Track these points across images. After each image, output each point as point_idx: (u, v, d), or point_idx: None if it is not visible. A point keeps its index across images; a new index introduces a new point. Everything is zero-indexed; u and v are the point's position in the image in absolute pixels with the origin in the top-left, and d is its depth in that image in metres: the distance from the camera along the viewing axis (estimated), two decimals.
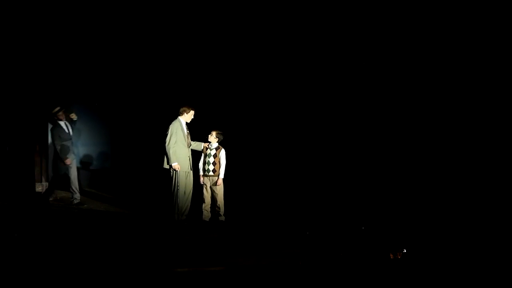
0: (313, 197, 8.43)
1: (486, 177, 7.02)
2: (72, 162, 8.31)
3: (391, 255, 5.78)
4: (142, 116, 9.73)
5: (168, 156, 7.30)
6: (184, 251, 5.96)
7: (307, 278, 5.18)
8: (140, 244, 6.25)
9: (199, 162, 7.72)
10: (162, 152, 7.45)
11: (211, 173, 7.59)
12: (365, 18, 8.24)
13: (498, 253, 5.76)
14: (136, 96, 9.79)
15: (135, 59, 9.56)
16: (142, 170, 9.59)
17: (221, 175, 7.57)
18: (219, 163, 7.58)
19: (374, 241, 6.32)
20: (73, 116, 8.42)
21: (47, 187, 8.71)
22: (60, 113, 8.24)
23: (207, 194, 7.62)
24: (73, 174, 8.33)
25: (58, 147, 8.17)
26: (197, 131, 7.77)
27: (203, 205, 7.62)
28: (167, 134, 7.35)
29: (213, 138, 7.63)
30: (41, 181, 8.88)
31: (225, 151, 7.68)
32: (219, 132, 7.66)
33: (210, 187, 7.60)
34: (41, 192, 8.73)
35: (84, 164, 9.77)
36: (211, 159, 7.59)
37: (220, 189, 7.58)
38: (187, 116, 7.48)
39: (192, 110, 7.49)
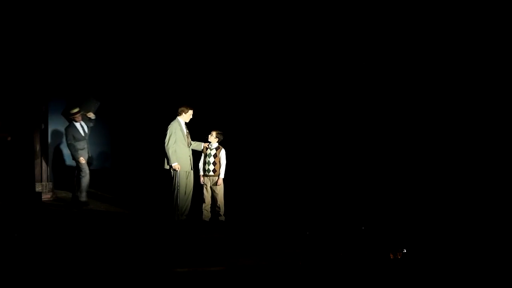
0: (313, 197, 8.43)
1: (486, 177, 7.02)
2: (85, 162, 8.28)
3: (391, 255, 5.78)
4: (142, 116, 9.73)
5: (168, 157, 7.30)
6: (184, 251, 5.96)
7: (307, 278, 5.18)
8: (140, 244, 6.25)
9: (199, 162, 7.72)
10: (162, 152, 7.45)
11: (211, 173, 7.59)
12: (365, 18, 8.24)
13: (498, 253, 5.76)
14: (136, 96, 9.80)
15: (135, 59, 9.57)
16: (142, 170, 9.60)
17: (221, 175, 7.58)
18: (219, 163, 7.58)
19: (374, 241, 6.32)
20: (91, 115, 8.41)
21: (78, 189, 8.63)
22: (78, 115, 8.22)
23: (207, 194, 7.62)
24: (87, 172, 8.30)
25: (71, 147, 8.17)
26: (197, 131, 7.77)
27: (203, 205, 7.62)
28: (166, 135, 7.35)
29: (213, 138, 7.63)
30: (41, 181, 8.88)
31: (225, 151, 7.68)
32: (219, 132, 7.66)
33: (210, 187, 7.60)
34: (41, 191, 8.73)
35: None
36: (211, 159, 7.59)
37: (220, 189, 7.58)
38: (186, 116, 7.48)
39: (191, 109, 7.48)
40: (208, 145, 7.66)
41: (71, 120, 8.29)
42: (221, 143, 7.69)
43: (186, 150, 7.42)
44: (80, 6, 8.73)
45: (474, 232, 6.40)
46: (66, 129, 8.34)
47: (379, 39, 8.19)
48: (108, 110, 9.72)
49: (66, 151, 9.68)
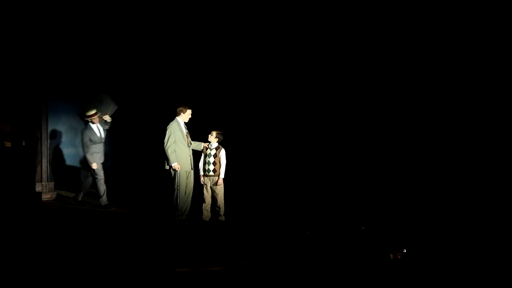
0: (313, 197, 8.43)
1: (486, 177, 7.02)
2: (99, 166, 8.24)
3: (391, 255, 5.79)
4: (142, 116, 9.73)
5: (168, 157, 7.30)
6: (184, 251, 5.96)
7: (307, 278, 5.18)
8: (140, 244, 6.25)
9: (199, 162, 7.72)
10: (162, 153, 7.46)
11: (211, 173, 7.59)
12: (365, 18, 8.24)
13: (498, 253, 5.76)
14: (136, 96, 9.80)
15: (135, 60, 9.57)
16: (142, 170, 9.60)
17: (222, 175, 7.57)
18: (219, 163, 7.58)
19: (374, 241, 6.32)
20: (107, 118, 8.36)
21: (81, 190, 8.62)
22: (95, 116, 8.18)
23: (207, 194, 7.62)
24: (102, 176, 8.30)
25: (86, 150, 8.12)
26: (197, 131, 7.77)
27: (203, 205, 7.62)
28: (165, 135, 7.35)
29: (213, 138, 7.63)
30: (41, 181, 8.88)
31: (225, 151, 7.68)
32: (219, 132, 7.66)
33: (211, 187, 7.60)
34: (41, 191, 8.72)
35: (84, 164, 9.77)
36: (211, 159, 7.59)
37: (220, 189, 7.58)
38: (185, 116, 7.48)
39: (189, 109, 7.48)
40: (208, 145, 7.66)
41: (87, 121, 8.21)
42: (221, 143, 7.69)
43: (186, 150, 7.42)
44: (80, 6, 8.73)
45: (474, 232, 6.40)
46: (82, 131, 8.25)
47: (379, 39, 8.19)
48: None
49: (66, 151, 9.69)
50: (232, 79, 9.46)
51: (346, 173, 8.46)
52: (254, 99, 9.34)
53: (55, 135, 9.60)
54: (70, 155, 9.77)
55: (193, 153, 7.61)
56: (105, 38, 9.33)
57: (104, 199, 8.27)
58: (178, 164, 7.29)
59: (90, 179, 8.36)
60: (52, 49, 9.02)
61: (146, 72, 9.67)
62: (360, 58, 8.42)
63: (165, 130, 7.40)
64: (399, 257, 5.73)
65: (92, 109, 8.18)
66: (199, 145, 7.69)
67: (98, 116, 8.23)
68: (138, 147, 9.70)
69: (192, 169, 7.49)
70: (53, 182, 9.04)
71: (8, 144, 8.37)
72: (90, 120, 8.18)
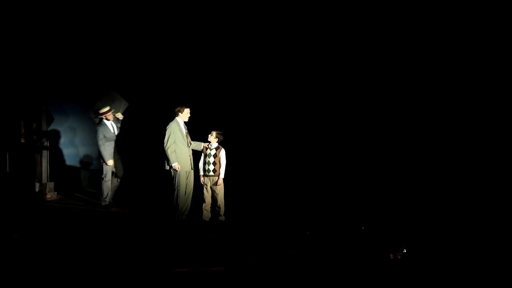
0: (313, 197, 8.43)
1: (486, 177, 7.03)
2: (118, 162, 8.24)
3: (391, 255, 5.78)
4: (142, 116, 9.73)
5: (167, 157, 7.31)
6: (184, 251, 5.96)
7: (307, 278, 5.18)
8: (140, 244, 6.25)
9: (199, 162, 7.72)
10: (162, 153, 7.45)
11: (211, 173, 7.59)
12: (365, 18, 8.24)
13: (498, 253, 5.76)
14: (137, 96, 9.79)
15: (135, 60, 9.57)
16: (142, 170, 9.59)
17: (222, 175, 7.57)
18: (219, 163, 7.58)
19: (374, 241, 6.32)
20: (119, 116, 8.35)
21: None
22: (109, 113, 8.15)
23: (207, 194, 7.61)
24: (120, 172, 8.30)
25: (102, 147, 8.07)
26: (197, 131, 7.77)
27: (203, 205, 7.62)
28: (165, 135, 7.36)
29: (213, 138, 7.62)
30: (41, 181, 8.88)
31: (225, 151, 7.68)
32: (219, 132, 7.66)
33: (211, 187, 7.60)
34: (41, 191, 8.72)
35: (84, 164, 9.77)
36: (211, 159, 7.59)
37: (220, 189, 7.57)
38: (184, 115, 7.48)
39: (186, 108, 7.48)
40: (208, 145, 7.66)
41: (101, 119, 8.18)
42: (221, 143, 7.69)
43: (185, 150, 7.42)
44: (79, 6, 8.74)
45: (474, 232, 6.40)
46: (97, 127, 8.20)
47: (379, 39, 8.19)
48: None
49: (66, 151, 9.68)
50: (232, 79, 9.45)
51: (346, 173, 8.46)
52: (254, 99, 9.33)
53: (55, 135, 9.59)
54: (70, 155, 9.77)
55: (193, 153, 7.61)
56: (105, 39, 9.33)
57: (107, 199, 8.22)
58: (178, 164, 7.29)
59: (115, 179, 8.31)
60: (52, 49, 9.02)
61: (146, 72, 9.66)
62: (360, 58, 8.42)
63: (165, 130, 7.40)
64: (399, 257, 5.73)
65: (105, 106, 8.17)
66: (199, 145, 7.69)
67: (112, 114, 8.21)
68: (138, 147, 9.69)
69: (192, 169, 7.49)
70: (53, 182, 9.04)
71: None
72: (104, 117, 8.15)
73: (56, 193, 9.00)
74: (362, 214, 7.60)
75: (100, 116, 8.19)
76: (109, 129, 8.18)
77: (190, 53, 9.44)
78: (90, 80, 9.57)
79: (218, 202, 7.57)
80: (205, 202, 7.62)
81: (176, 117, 7.48)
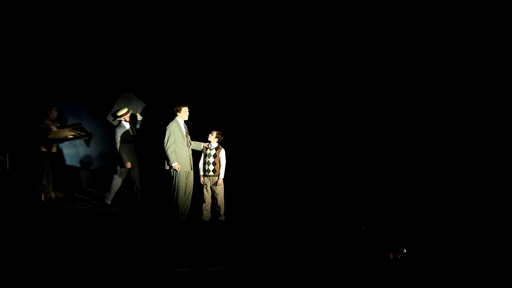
0: (313, 197, 8.42)
1: (486, 177, 7.02)
2: (135, 164, 8.20)
3: (391, 255, 5.78)
4: (142, 117, 9.71)
5: (167, 157, 7.31)
6: (184, 251, 5.96)
7: (307, 278, 5.17)
8: (140, 244, 6.25)
9: (199, 162, 7.72)
10: (162, 153, 7.46)
11: (211, 173, 7.59)
12: (365, 18, 8.24)
13: (498, 253, 5.76)
14: (137, 96, 9.78)
15: (136, 59, 9.56)
16: (142, 170, 9.58)
17: (221, 175, 7.58)
18: (219, 163, 7.58)
19: (374, 241, 6.32)
20: (138, 117, 8.33)
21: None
22: (127, 115, 8.14)
23: (207, 194, 7.62)
24: (136, 175, 8.28)
25: (121, 149, 8.02)
26: (197, 131, 7.77)
27: (203, 205, 7.62)
28: (164, 135, 7.37)
29: (213, 138, 7.63)
30: (41, 181, 8.86)
31: (225, 151, 7.68)
32: (220, 132, 7.66)
33: (211, 187, 7.60)
34: (41, 191, 8.72)
35: (84, 164, 9.76)
36: (211, 159, 7.60)
37: (220, 189, 7.58)
38: (183, 114, 7.49)
39: (184, 107, 7.50)
40: (208, 145, 7.67)
41: (119, 121, 8.17)
42: (221, 143, 7.70)
43: (185, 150, 7.42)
44: (80, 6, 8.73)
45: (474, 232, 6.39)
46: (115, 130, 8.16)
47: (379, 39, 8.19)
48: (108, 110, 9.71)
49: (66, 151, 9.67)
50: (233, 80, 9.45)
51: (346, 173, 8.46)
52: (254, 99, 9.33)
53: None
54: (70, 155, 9.75)
55: (193, 153, 7.61)
56: (105, 38, 9.33)
57: (110, 197, 8.21)
58: (178, 164, 7.29)
59: (136, 176, 8.27)
60: (53, 49, 9.02)
61: (146, 72, 9.66)
62: (360, 58, 8.42)
63: (165, 130, 7.41)
64: (399, 257, 5.73)
65: (123, 108, 8.16)
66: (199, 145, 7.69)
67: (130, 115, 8.21)
68: (138, 147, 9.68)
69: (191, 169, 7.49)
70: (53, 182, 9.02)
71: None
72: (123, 119, 8.14)
73: (56, 193, 8.99)
74: (362, 214, 7.59)
75: (118, 119, 8.17)
76: (128, 130, 8.15)
77: (191, 53, 9.44)
78: (90, 80, 9.56)
79: (218, 202, 7.57)
80: (205, 202, 7.62)
81: (176, 117, 7.49)
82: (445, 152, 7.51)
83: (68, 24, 8.93)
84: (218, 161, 7.59)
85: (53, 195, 8.83)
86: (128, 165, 8.07)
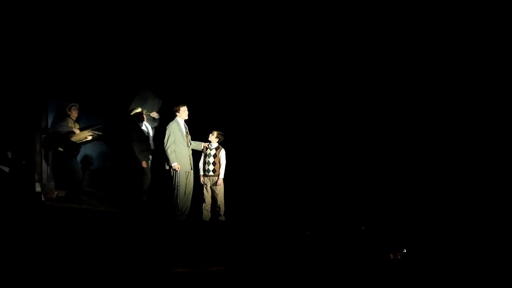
0: (312, 197, 8.43)
1: (486, 177, 7.02)
2: (148, 165, 8.06)
3: (391, 255, 5.79)
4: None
5: (167, 157, 7.31)
6: (184, 251, 5.96)
7: (307, 278, 5.18)
8: (140, 244, 6.25)
9: (199, 162, 7.72)
10: (162, 153, 7.46)
11: (211, 173, 7.59)
12: (365, 18, 8.24)
13: (498, 253, 5.76)
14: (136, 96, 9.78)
15: (136, 59, 9.55)
16: (142, 170, 9.58)
17: (221, 175, 7.58)
18: (219, 163, 7.58)
19: (374, 241, 6.32)
20: (155, 115, 8.22)
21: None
22: (142, 114, 8.05)
23: (207, 194, 7.62)
24: (149, 175, 8.13)
25: (136, 150, 7.87)
26: (197, 131, 7.78)
27: (203, 205, 7.62)
28: (164, 135, 7.37)
29: (213, 138, 7.63)
30: (41, 181, 8.87)
31: (225, 151, 7.68)
32: (220, 132, 7.67)
33: (211, 187, 7.60)
34: (41, 191, 8.72)
35: (84, 164, 9.74)
36: (211, 159, 7.60)
37: (220, 189, 7.58)
38: (182, 114, 7.50)
39: (183, 106, 7.50)
40: (208, 145, 7.67)
41: (135, 121, 8.07)
42: (221, 143, 7.70)
43: (185, 150, 7.42)
44: (79, 6, 8.73)
45: (474, 232, 6.40)
46: (130, 129, 8.05)
47: (379, 39, 8.19)
48: (108, 110, 9.72)
49: (66, 151, 9.66)
50: (233, 80, 9.45)
51: (346, 173, 8.46)
52: (254, 100, 9.33)
53: (55, 135, 9.56)
54: (70, 155, 9.74)
55: (193, 153, 7.61)
56: (104, 38, 9.32)
57: (143, 198, 8.02)
58: (178, 164, 7.29)
59: (147, 176, 8.09)
60: (52, 49, 9.01)
61: (146, 72, 9.65)
62: (359, 58, 8.42)
63: (165, 130, 7.42)
64: (399, 257, 5.73)
65: (137, 107, 8.10)
66: (199, 145, 7.70)
67: (145, 114, 8.12)
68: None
69: (192, 169, 7.49)
70: (53, 182, 9.02)
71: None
72: (138, 119, 8.05)
73: (56, 193, 8.99)
74: (362, 214, 7.59)
75: (134, 119, 8.09)
76: (142, 130, 8.06)
77: (191, 53, 9.44)
78: (89, 80, 9.56)
79: (218, 202, 7.57)
80: (205, 202, 7.62)
81: (176, 117, 7.50)
82: (445, 152, 7.51)
83: (68, 24, 8.92)
84: (218, 161, 7.59)
85: (54, 194, 8.84)
86: (144, 164, 7.89)
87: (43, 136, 8.84)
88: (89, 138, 8.40)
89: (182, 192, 7.34)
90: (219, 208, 7.57)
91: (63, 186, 9.01)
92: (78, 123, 8.48)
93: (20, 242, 6.04)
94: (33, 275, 4.97)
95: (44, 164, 8.92)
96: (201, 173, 7.68)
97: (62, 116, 8.53)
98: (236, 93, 9.40)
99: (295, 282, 5.06)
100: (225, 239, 6.66)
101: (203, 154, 7.72)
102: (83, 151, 9.72)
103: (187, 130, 7.57)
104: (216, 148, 7.64)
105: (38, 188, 8.78)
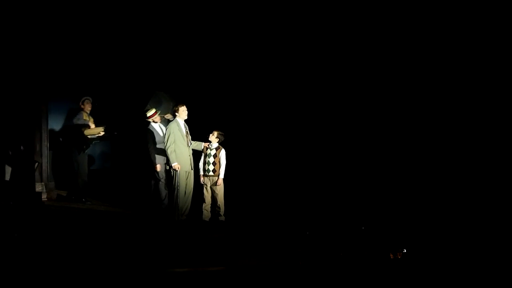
0: (313, 197, 8.43)
1: (486, 177, 7.02)
2: (162, 167, 7.96)
3: (391, 255, 5.78)
4: (143, 116, 9.71)
5: (167, 157, 7.31)
6: (184, 251, 5.96)
7: (307, 278, 5.18)
8: (140, 244, 6.25)
9: (199, 162, 7.72)
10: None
11: (211, 173, 7.59)
12: (365, 18, 8.24)
13: (498, 253, 5.76)
14: (137, 96, 9.78)
15: (136, 59, 9.56)
16: (142, 170, 9.58)
17: (221, 175, 7.58)
18: (219, 163, 7.58)
19: (374, 241, 6.32)
20: (169, 117, 8.11)
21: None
22: (156, 115, 8.01)
23: (207, 194, 7.62)
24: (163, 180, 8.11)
25: (152, 152, 7.85)
26: (198, 131, 7.78)
27: (203, 205, 7.62)
28: (165, 136, 7.38)
29: (214, 138, 7.64)
30: (41, 181, 8.87)
31: (225, 151, 7.69)
32: (221, 132, 7.67)
33: (211, 187, 7.60)
34: (41, 191, 8.71)
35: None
36: (211, 159, 7.60)
37: (220, 189, 7.58)
38: (182, 114, 7.49)
39: (182, 106, 7.50)
40: (208, 145, 7.67)
41: (149, 123, 8.04)
42: (221, 143, 7.70)
43: (185, 150, 7.42)
44: (79, 6, 8.73)
45: (474, 232, 6.40)
46: (144, 131, 8.02)
47: (379, 39, 8.19)
48: (108, 109, 9.72)
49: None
50: (234, 80, 9.45)
51: (346, 173, 8.46)
52: (254, 100, 9.33)
53: (55, 135, 9.57)
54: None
55: (193, 153, 7.61)
56: (104, 38, 9.32)
57: (166, 202, 7.91)
58: (178, 164, 7.29)
59: (162, 183, 8.01)
60: (52, 49, 9.01)
61: (146, 72, 9.66)
62: (359, 58, 8.42)
63: (165, 130, 7.42)
64: (399, 257, 5.73)
65: (151, 109, 8.06)
66: (199, 145, 7.70)
67: (160, 116, 8.10)
68: (137, 147, 9.68)
69: (192, 169, 7.49)
70: (53, 182, 9.03)
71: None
72: (152, 120, 8.04)
73: (56, 193, 8.98)
74: (362, 214, 7.59)
75: (147, 119, 8.07)
76: (157, 132, 7.99)
77: (191, 53, 9.44)
78: (89, 80, 9.56)
79: (218, 202, 7.57)
80: (205, 202, 7.62)
81: (176, 118, 7.50)
82: (445, 153, 7.51)
83: (68, 24, 8.92)
84: (218, 161, 7.59)
85: (54, 194, 8.84)
86: (158, 167, 7.83)
87: (47, 130, 8.82)
88: (102, 134, 8.37)
89: (182, 192, 7.34)
90: (219, 208, 7.57)
91: (64, 186, 9.03)
92: (91, 116, 8.47)
93: (20, 242, 6.04)
94: (33, 275, 4.97)
95: (44, 164, 8.92)
96: (201, 173, 7.68)
97: (76, 110, 8.49)
98: (236, 93, 9.40)
99: (295, 282, 5.06)
100: (225, 239, 6.66)
101: (203, 154, 7.72)
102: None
103: (187, 130, 7.57)
104: (216, 148, 7.65)
105: (38, 188, 8.79)
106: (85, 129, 8.27)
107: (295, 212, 8.07)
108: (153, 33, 9.34)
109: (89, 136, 8.34)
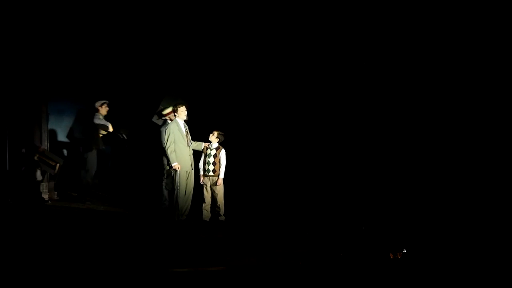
0: (313, 197, 8.43)
1: (486, 177, 7.03)
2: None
3: (391, 255, 5.79)
4: (143, 116, 9.71)
5: (167, 157, 7.32)
6: (184, 251, 5.96)
7: (307, 278, 5.18)
8: (140, 244, 6.25)
9: (199, 162, 7.72)
10: (162, 153, 7.45)
11: (211, 173, 7.59)
12: (365, 18, 8.24)
13: (498, 253, 5.76)
14: (137, 96, 9.78)
15: (136, 59, 9.56)
16: (142, 170, 9.59)
17: (221, 175, 7.58)
18: (219, 163, 7.59)
19: (374, 241, 6.33)
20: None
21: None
22: (171, 114, 7.92)
23: (207, 194, 7.62)
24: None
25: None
26: (198, 131, 7.78)
27: (203, 205, 7.62)
28: (164, 136, 7.38)
29: (214, 138, 7.64)
30: (41, 181, 8.86)
31: (225, 151, 7.69)
32: (221, 132, 7.67)
33: (210, 187, 7.61)
34: (40, 192, 8.71)
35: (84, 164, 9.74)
36: (211, 159, 7.60)
37: (220, 189, 7.58)
38: (181, 114, 7.50)
39: (181, 106, 7.50)
40: (208, 145, 7.67)
41: (165, 120, 8.02)
42: (221, 143, 7.70)
43: (185, 150, 7.42)
44: (79, 6, 8.73)
45: (474, 232, 6.40)
46: (161, 129, 7.95)
47: (379, 39, 8.19)
48: (108, 110, 9.72)
49: (66, 151, 9.67)
50: (234, 80, 9.45)
51: (346, 173, 8.46)
52: (254, 100, 9.34)
53: (55, 135, 9.58)
54: (70, 155, 9.75)
55: (193, 153, 7.61)
56: (104, 38, 9.32)
57: (166, 202, 7.87)
58: (178, 164, 7.29)
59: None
60: (52, 49, 9.01)
61: (146, 72, 9.66)
62: (360, 58, 8.42)
63: (165, 130, 7.43)
64: (399, 257, 5.74)
65: (168, 107, 8.05)
66: (199, 145, 7.70)
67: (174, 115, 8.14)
68: (138, 147, 9.69)
69: (192, 169, 7.49)
70: (53, 182, 9.02)
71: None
72: (168, 118, 8.01)
73: (56, 193, 8.98)
74: (362, 214, 7.60)
75: (163, 118, 8.08)
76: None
77: (191, 53, 9.44)
78: (89, 80, 9.56)
79: (218, 202, 7.57)
80: (205, 202, 7.63)
81: (175, 117, 7.51)
82: (445, 153, 7.52)
83: (68, 24, 8.92)
84: (218, 161, 7.59)
85: (55, 194, 8.83)
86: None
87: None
88: (111, 130, 8.36)
89: (182, 192, 7.34)
90: (219, 208, 7.58)
91: (65, 186, 9.02)
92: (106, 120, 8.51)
93: (21, 242, 6.04)
94: (34, 275, 4.97)
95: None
96: (201, 173, 7.68)
97: (87, 110, 8.49)
98: (236, 93, 9.40)
99: (295, 282, 5.06)
100: (225, 239, 6.66)
101: (203, 154, 7.72)
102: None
103: (187, 130, 7.57)
104: (217, 148, 7.65)
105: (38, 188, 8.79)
106: (104, 129, 8.29)
107: (295, 212, 8.07)
108: (153, 33, 9.34)
109: (100, 135, 8.39)
